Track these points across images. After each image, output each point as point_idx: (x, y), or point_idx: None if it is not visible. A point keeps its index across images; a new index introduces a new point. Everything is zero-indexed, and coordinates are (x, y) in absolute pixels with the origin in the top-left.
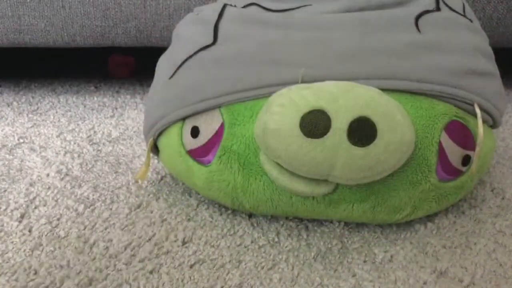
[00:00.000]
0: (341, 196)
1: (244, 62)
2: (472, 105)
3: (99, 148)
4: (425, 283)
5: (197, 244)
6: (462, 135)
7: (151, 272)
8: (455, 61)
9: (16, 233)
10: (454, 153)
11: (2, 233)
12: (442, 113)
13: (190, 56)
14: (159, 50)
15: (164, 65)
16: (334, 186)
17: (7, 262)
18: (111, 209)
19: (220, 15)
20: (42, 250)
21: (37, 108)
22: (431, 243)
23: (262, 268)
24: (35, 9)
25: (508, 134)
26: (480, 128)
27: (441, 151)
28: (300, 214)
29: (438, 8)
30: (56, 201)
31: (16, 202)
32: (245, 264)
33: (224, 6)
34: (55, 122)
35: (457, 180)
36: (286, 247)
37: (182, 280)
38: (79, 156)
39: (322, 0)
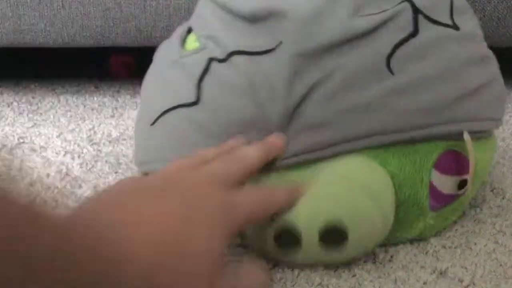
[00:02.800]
0: None
1: (220, 133)
2: (461, 133)
3: (99, 148)
4: (425, 283)
5: None
6: (454, 164)
7: None
8: (437, 94)
9: None
10: (448, 184)
11: None
12: (428, 151)
13: (170, 109)
14: None
15: (149, 100)
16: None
17: None
18: None
19: (205, 71)
20: None
21: (37, 108)
22: (431, 243)
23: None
24: (35, 9)
25: (508, 134)
26: (471, 154)
27: (433, 189)
28: None
29: (415, 29)
30: (56, 201)
31: None
32: None
33: (209, 62)
34: (55, 122)
35: (455, 203)
36: None
37: None
38: (79, 156)
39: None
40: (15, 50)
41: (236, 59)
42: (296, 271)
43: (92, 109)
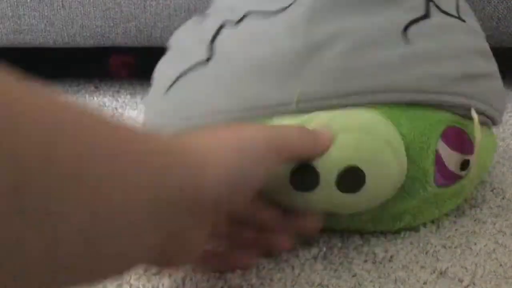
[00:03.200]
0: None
1: (235, 81)
2: (469, 109)
3: None
4: (425, 283)
5: None
6: (459, 140)
7: (151, 273)
8: (448, 68)
9: None
10: (452, 159)
11: None
12: (438, 121)
13: (185, 71)
14: (159, 50)
15: (161, 75)
16: None
17: None
18: None
19: (217, 33)
20: None
21: None
22: (431, 243)
23: (263, 268)
24: (35, 9)
25: (508, 134)
26: (477, 133)
27: (438, 159)
28: None
29: (427, 14)
30: None
31: None
32: None
33: (220, 27)
34: None
35: (456, 184)
36: None
37: (183, 281)
38: None
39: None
40: (15, 50)
41: (250, 17)
42: (296, 271)
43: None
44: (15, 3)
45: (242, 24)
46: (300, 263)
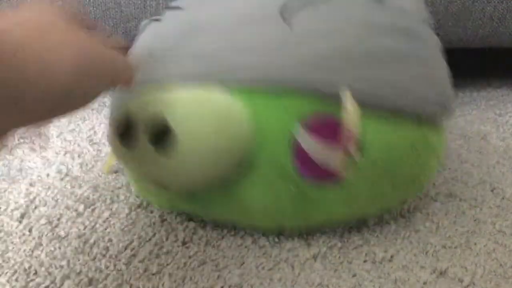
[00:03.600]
0: (209, 198)
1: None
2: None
3: (99, 148)
4: (425, 283)
5: (197, 245)
6: (328, 130)
7: (151, 272)
8: (317, 48)
9: (16, 233)
10: (322, 151)
11: (2, 233)
12: (297, 108)
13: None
14: None
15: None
16: None
17: (7, 262)
18: (111, 209)
19: (142, 31)
20: (42, 250)
21: None
22: (431, 243)
23: (263, 268)
24: None
25: (508, 134)
26: (348, 117)
27: (299, 149)
28: (192, 212)
29: None
30: (56, 201)
31: (16, 202)
32: (246, 264)
33: (149, 22)
34: (55, 122)
35: (339, 186)
36: (286, 247)
37: (183, 280)
38: (79, 156)
39: None
40: None
41: (167, 13)
42: (296, 271)
43: (92, 109)
44: (15, 3)
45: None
46: (300, 263)
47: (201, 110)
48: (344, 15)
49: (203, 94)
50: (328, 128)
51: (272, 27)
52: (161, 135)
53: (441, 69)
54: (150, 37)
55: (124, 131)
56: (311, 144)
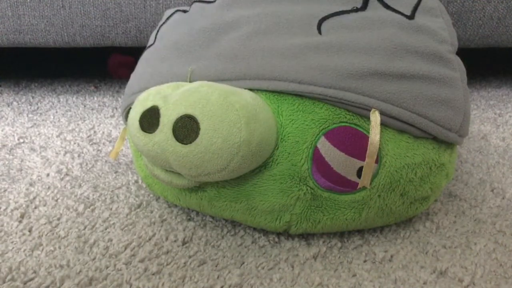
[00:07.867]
0: (217, 194)
1: (158, 60)
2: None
3: (99, 148)
4: (425, 283)
5: (197, 244)
6: (351, 142)
7: (151, 272)
8: (350, 62)
9: (16, 233)
10: (341, 162)
11: (2, 233)
12: (323, 117)
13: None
14: None
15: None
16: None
17: (7, 262)
18: (111, 209)
19: (166, 20)
20: (42, 250)
21: (37, 108)
22: (431, 243)
23: (263, 268)
24: (35, 9)
25: (508, 134)
26: (373, 135)
27: (318, 157)
28: (194, 208)
29: (364, 7)
30: (56, 201)
31: (16, 202)
32: (246, 264)
33: (174, 12)
34: (55, 122)
35: (356, 194)
36: (286, 247)
37: (183, 280)
38: (79, 156)
39: None
40: (15, 50)
41: (194, 5)
42: (296, 271)
43: (92, 109)
44: (15, 3)
45: (188, 12)
46: (300, 263)
47: (227, 108)
48: (379, 33)
49: (231, 92)
50: (352, 141)
51: (306, 36)
52: (186, 128)
53: (464, 96)
54: (177, 29)
55: (147, 119)
56: (332, 155)
